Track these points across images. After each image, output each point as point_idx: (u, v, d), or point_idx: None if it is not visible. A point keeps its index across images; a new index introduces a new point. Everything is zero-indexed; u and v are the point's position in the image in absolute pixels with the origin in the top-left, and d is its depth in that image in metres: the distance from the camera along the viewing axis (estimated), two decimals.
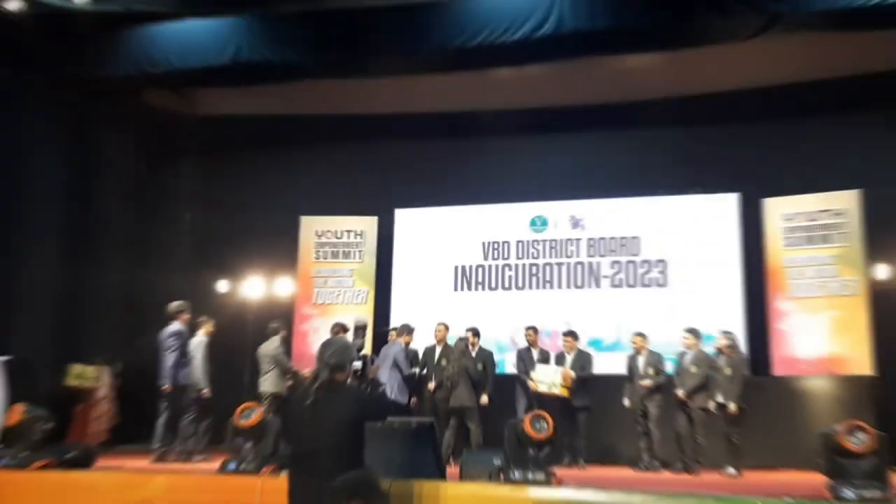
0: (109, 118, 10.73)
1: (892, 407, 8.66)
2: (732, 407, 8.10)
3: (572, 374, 8.79)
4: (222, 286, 11.40)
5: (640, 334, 8.89)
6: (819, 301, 9.68)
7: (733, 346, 8.44)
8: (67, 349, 9.92)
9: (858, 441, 5.20)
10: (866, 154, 9.91)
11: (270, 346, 9.06)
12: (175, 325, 8.61)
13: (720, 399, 8.22)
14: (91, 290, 10.31)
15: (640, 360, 8.76)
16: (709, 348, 8.70)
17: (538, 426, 5.80)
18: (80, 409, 9.98)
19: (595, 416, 9.02)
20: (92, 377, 9.94)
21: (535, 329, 9.48)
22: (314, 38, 9.25)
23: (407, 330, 9.12)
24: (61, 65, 9.86)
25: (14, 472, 6.32)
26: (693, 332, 8.67)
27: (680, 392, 8.39)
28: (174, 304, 8.81)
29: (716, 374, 8.30)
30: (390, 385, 8.69)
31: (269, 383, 8.86)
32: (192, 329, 8.98)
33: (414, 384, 9.02)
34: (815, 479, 5.68)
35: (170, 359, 8.44)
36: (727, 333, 8.55)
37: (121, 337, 10.87)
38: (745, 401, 8.20)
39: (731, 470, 8.03)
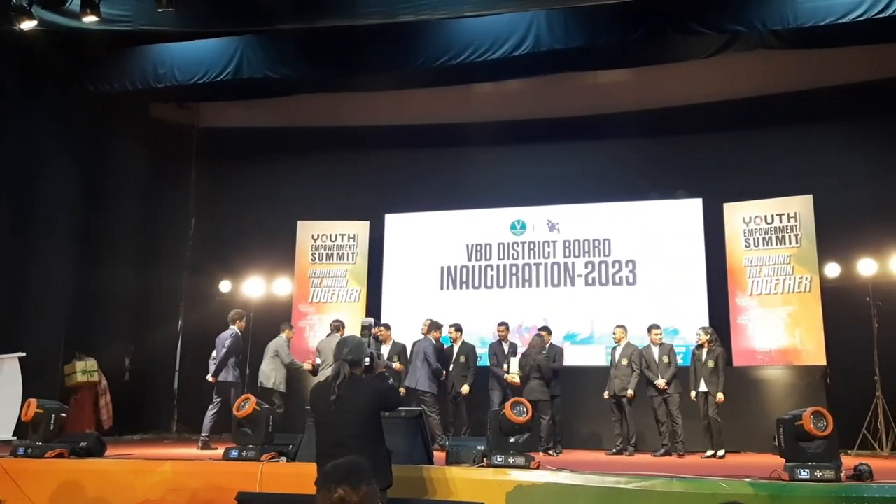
0: (118, 130, 10.67)
1: (842, 394, 8.75)
2: (720, 396, 8.24)
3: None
4: (225, 286, 11.35)
5: (621, 326, 8.96)
6: (775, 297, 9.75)
7: (714, 341, 8.52)
8: (78, 345, 9.85)
9: (822, 426, 5.25)
10: (818, 162, 10.00)
11: (333, 342, 9.06)
12: (233, 329, 8.91)
13: (703, 388, 8.30)
14: (101, 289, 10.23)
15: (618, 351, 8.81)
16: (674, 341, 8.76)
17: (518, 411, 5.82)
18: (78, 401, 9.82)
19: (570, 404, 9.03)
20: (96, 371, 9.84)
21: (505, 325, 9.48)
22: (309, 56, 9.23)
23: (435, 326, 9.13)
24: (73, 80, 9.80)
25: (30, 460, 6.29)
26: (656, 326, 8.80)
27: (660, 382, 8.44)
28: (234, 312, 9.17)
29: (698, 366, 8.44)
30: (421, 376, 8.75)
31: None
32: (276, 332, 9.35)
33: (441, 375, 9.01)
34: (773, 461, 5.73)
35: (228, 358, 8.75)
36: (707, 329, 8.65)
37: (129, 334, 10.82)
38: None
39: (720, 452, 8.16)
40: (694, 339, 8.82)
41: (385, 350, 9.23)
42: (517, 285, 10.89)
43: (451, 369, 9.16)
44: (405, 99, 11.13)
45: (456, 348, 9.26)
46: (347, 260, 11.33)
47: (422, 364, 8.80)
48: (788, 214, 9.83)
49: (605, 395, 8.75)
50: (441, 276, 11.15)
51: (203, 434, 8.46)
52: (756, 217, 10.01)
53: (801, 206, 9.77)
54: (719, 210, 10.24)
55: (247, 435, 6.31)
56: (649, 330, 8.80)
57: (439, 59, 8.78)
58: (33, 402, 6.62)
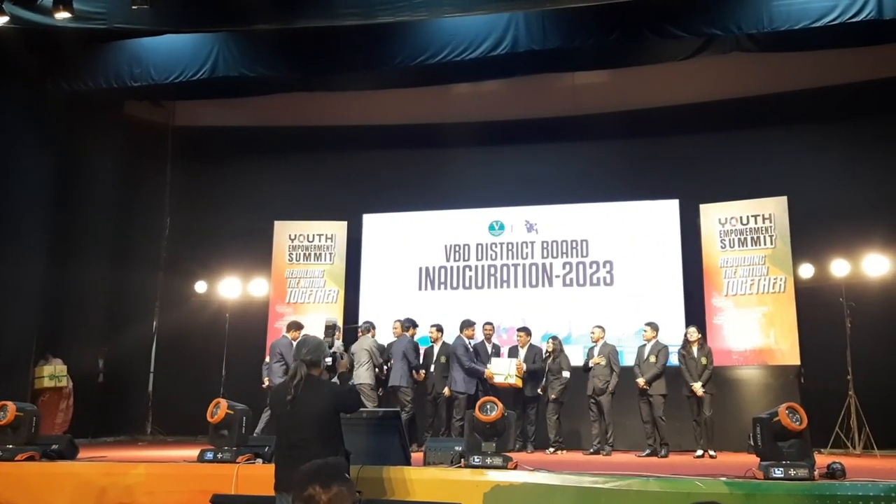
0: (92, 128, 10.50)
1: (815, 393, 8.85)
2: (704, 390, 8.35)
3: (524, 365, 8.87)
4: (200, 286, 11.24)
5: (599, 327, 9.01)
6: (750, 297, 9.84)
7: (704, 340, 8.58)
8: (50, 347, 9.69)
9: (797, 420, 5.30)
10: (792, 164, 10.10)
11: (366, 343, 9.08)
12: (287, 337, 9.03)
13: (695, 386, 8.35)
14: (74, 289, 10.09)
15: (595, 351, 8.85)
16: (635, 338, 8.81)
17: (485, 409, 5.85)
18: (44, 405, 9.67)
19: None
20: (64, 377, 9.69)
21: (491, 325, 9.50)
22: (286, 55, 9.16)
23: (467, 324, 9.16)
24: (45, 78, 9.65)
25: (1, 463, 6.19)
26: (651, 325, 8.81)
27: (640, 381, 8.49)
28: (291, 321, 9.42)
29: (691, 363, 8.50)
30: (401, 374, 8.82)
31: (362, 376, 8.85)
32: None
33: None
34: (748, 460, 5.78)
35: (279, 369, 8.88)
36: (699, 328, 8.71)
37: (102, 335, 10.67)
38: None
39: (711, 452, 8.21)
40: (671, 338, 8.88)
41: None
42: (495, 286, 10.90)
43: (431, 370, 9.18)
44: (383, 99, 11.10)
45: (436, 349, 9.27)
46: (325, 260, 11.27)
47: (401, 362, 8.88)
48: (763, 216, 9.92)
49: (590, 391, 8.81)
50: (419, 276, 11.13)
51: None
52: (731, 218, 10.09)
53: (775, 208, 9.86)
54: (695, 211, 10.32)
55: (223, 437, 6.24)
56: (645, 327, 8.88)
57: (417, 58, 8.76)
58: (12, 405, 6.51)
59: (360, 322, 9.76)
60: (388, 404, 8.86)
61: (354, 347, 9.13)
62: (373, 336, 9.27)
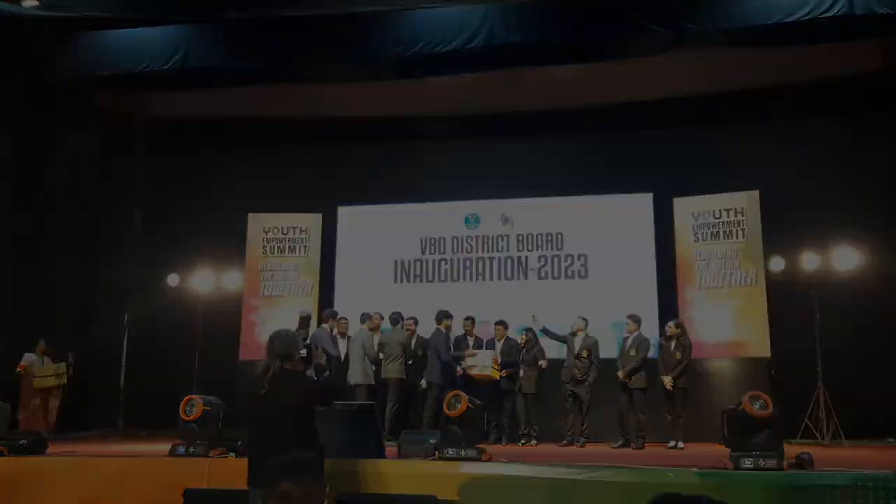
0: (62, 119, 10.31)
1: (785, 384, 8.98)
2: (668, 380, 8.35)
3: (499, 357, 8.89)
4: (173, 279, 11.11)
5: (582, 318, 8.98)
6: (723, 290, 9.95)
7: (683, 334, 8.60)
8: (19, 343, 9.54)
9: (761, 405, 5.38)
10: (764, 159, 10.19)
11: (400, 336, 8.98)
12: (325, 328, 8.87)
13: (667, 379, 8.38)
14: (43, 282, 9.93)
15: (577, 341, 8.84)
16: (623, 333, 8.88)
17: (451, 404, 5.90)
18: (43, 402, 9.56)
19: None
20: (65, 374, 9.58)
21: (472, 319, 9.49)
22: (259, 45, 9.10)
23: (445, 315, 9.10)
24: (13, 67, 9.48)
25: None
26: (633, 318, 8.82)
27: (620, 373, 8.52)
28: (328, 310, 9.32)
29: (667, 357, 8.51)
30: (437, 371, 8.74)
31: (394, 370, 8.79)
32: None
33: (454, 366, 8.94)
34: (719, 451, 5.86)
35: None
36: (678, 322, 8.75)
37: (73, 328, 10.52)
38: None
39: (680, 443, 8.25)
40: (644, 331, 8.95)
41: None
42: (471, 279, 10.93)
43: (409, 362, 9.15)
44: (358, 91, 11.03)
45: (413, 342, 9.23)
46: (299, 253, 11.21)
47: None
48: (736, 210, 10.03)
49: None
50: (395, 269, 11.12)
51: None
52: (704, 212, 10.20)
53: (747, 202, 9.98)
54: (669, 205, 10.41)
55: (194, 431, 6.19)
56: (627, 320, 8.87)
57: (392, 50, 8.75)
58: None
59: (390, 314, 9.41)
60: (414, 400, 8.84)
61: (385, 339, 9.04)
62: (403, 327, 9.18)
